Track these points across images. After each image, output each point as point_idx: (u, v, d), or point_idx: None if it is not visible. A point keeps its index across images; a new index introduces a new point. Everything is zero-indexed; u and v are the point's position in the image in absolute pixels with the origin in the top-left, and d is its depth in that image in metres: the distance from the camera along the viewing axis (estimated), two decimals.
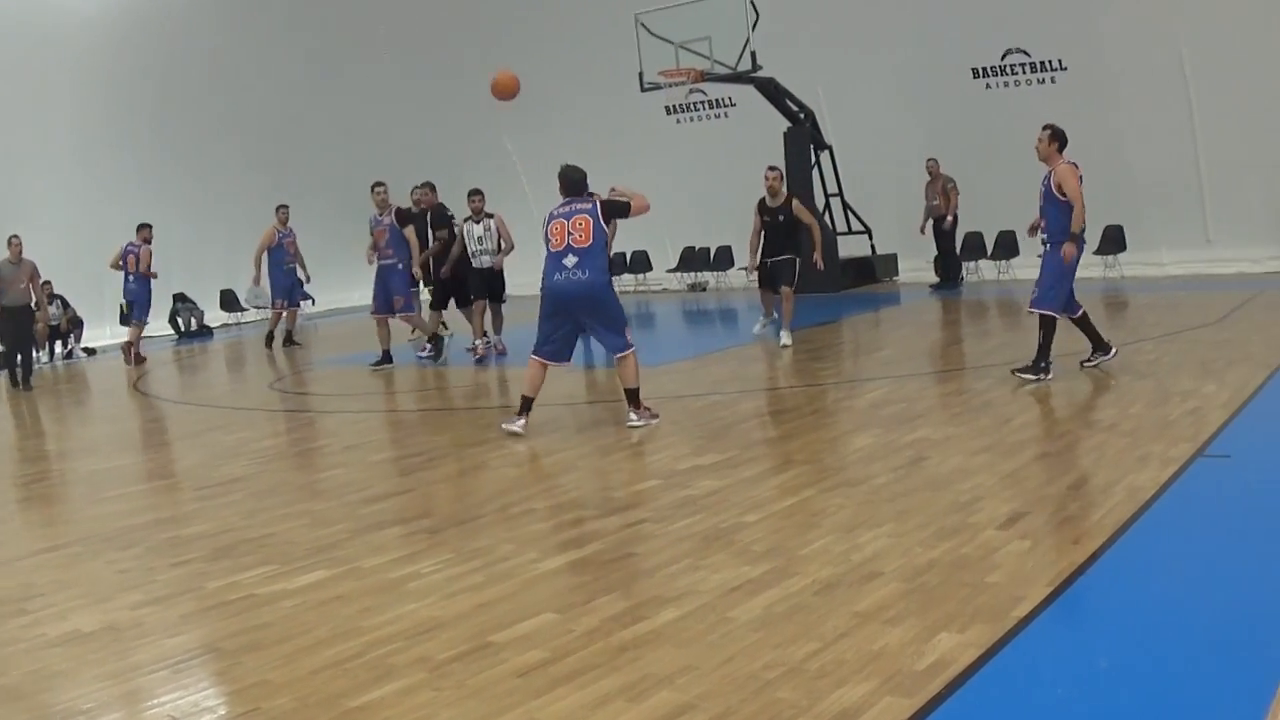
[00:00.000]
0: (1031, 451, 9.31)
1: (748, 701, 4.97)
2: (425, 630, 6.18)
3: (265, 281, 23.41)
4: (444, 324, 21.56)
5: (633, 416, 11.79)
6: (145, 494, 10.65)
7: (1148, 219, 23.18)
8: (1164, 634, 5.52)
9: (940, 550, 6.83)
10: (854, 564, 6.72)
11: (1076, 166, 12.36)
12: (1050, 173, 12.41)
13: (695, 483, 9.13)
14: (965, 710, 4.82)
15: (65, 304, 25.41)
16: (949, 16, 24.81)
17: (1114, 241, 23.28)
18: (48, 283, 23.41)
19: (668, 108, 28.79)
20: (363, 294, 22.04)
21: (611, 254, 13.35)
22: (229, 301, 30.35)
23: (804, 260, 17.05)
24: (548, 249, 11.70)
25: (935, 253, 25.00)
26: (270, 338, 23.14)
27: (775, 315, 17.32)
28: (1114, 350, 12.94)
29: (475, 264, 17.96)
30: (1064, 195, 12.21)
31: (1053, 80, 24.50)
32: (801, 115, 25.49)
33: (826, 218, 25.51)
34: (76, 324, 25.85)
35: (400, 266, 18.60)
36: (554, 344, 11.84)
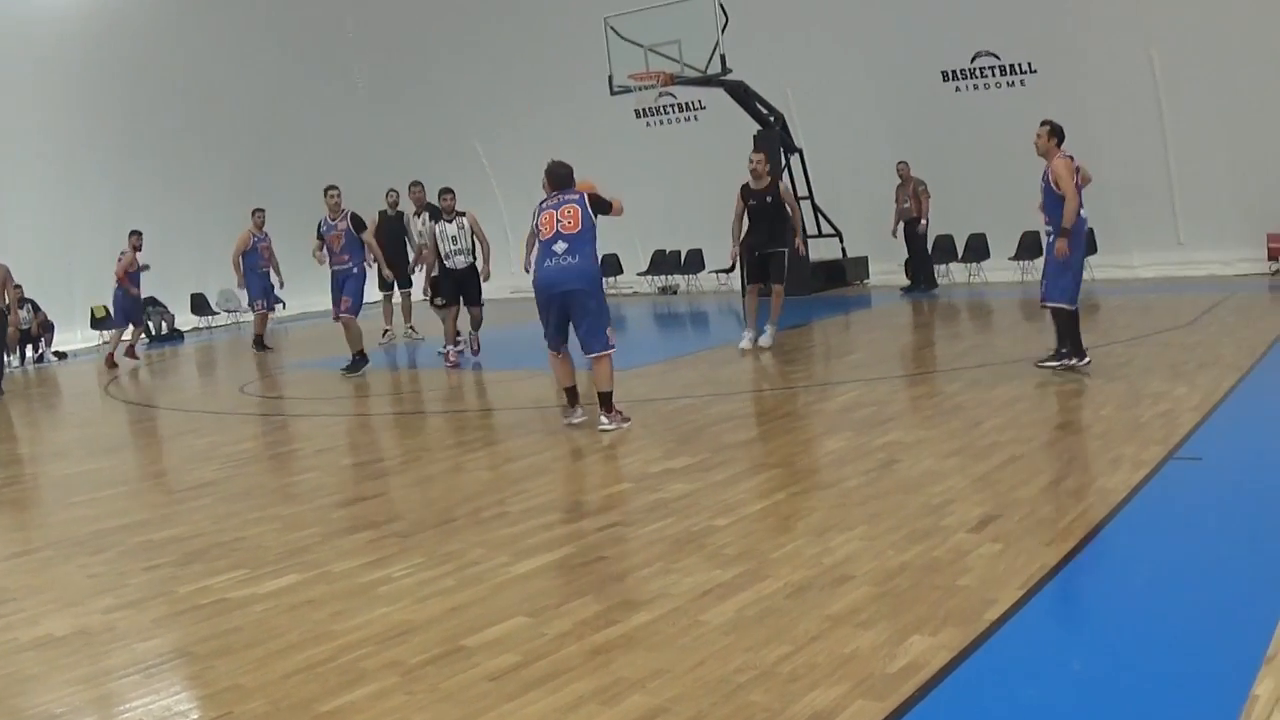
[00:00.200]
0: (1003, 454, 9.32)
1: (719, 705, 4.97)
2: (397, 634, 6.17)
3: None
4: (413, 328, 21.61)
5: (604, 420, 11.79)
6: (117, 498, 10.58)
7: (1119, 221, 23.22)
8: (1136, 636, 5.55)
9: (912, 553, 6.85)
10: (825, 567, 6.73)
11: (1072, 159, 12.58)
12: (1048, 167, 12.60)
13: (667, 486, 9.14)
14: (937, 713, 4.83)
15: (36, 308, 25.31)
16: (918, 19, 24.83)
17: (1085, 244, 23.33)
18: (19, 286, 23.35)
19: (637, 111, 28.74)
20: None
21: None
22: (200, 305, 30.29)
23: (789, 251, 16.85)
24: (538, 240, 11.82)
25: (906, 256, 25.07)
26: (261, 342, 22.89)
27: (760, 329, 16.90)
28: (1087, 359, 13.00)
29: (448, 264, 17.61)
30: (1060, 189, 12.36)
31: (1022, 83, 24.52)
32: (771, 118, 25.47)
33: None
34: (47, 328, 25.77)
35: (355, 271, 18.21)
36: (550, 333, 11.98)
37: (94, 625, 6.74)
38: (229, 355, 24.11)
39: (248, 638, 6.33)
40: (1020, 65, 24.43)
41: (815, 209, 25.97)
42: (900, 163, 24.42)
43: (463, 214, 17.66)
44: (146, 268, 23.37)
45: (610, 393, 11.84)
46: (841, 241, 26.50)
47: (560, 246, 11.57)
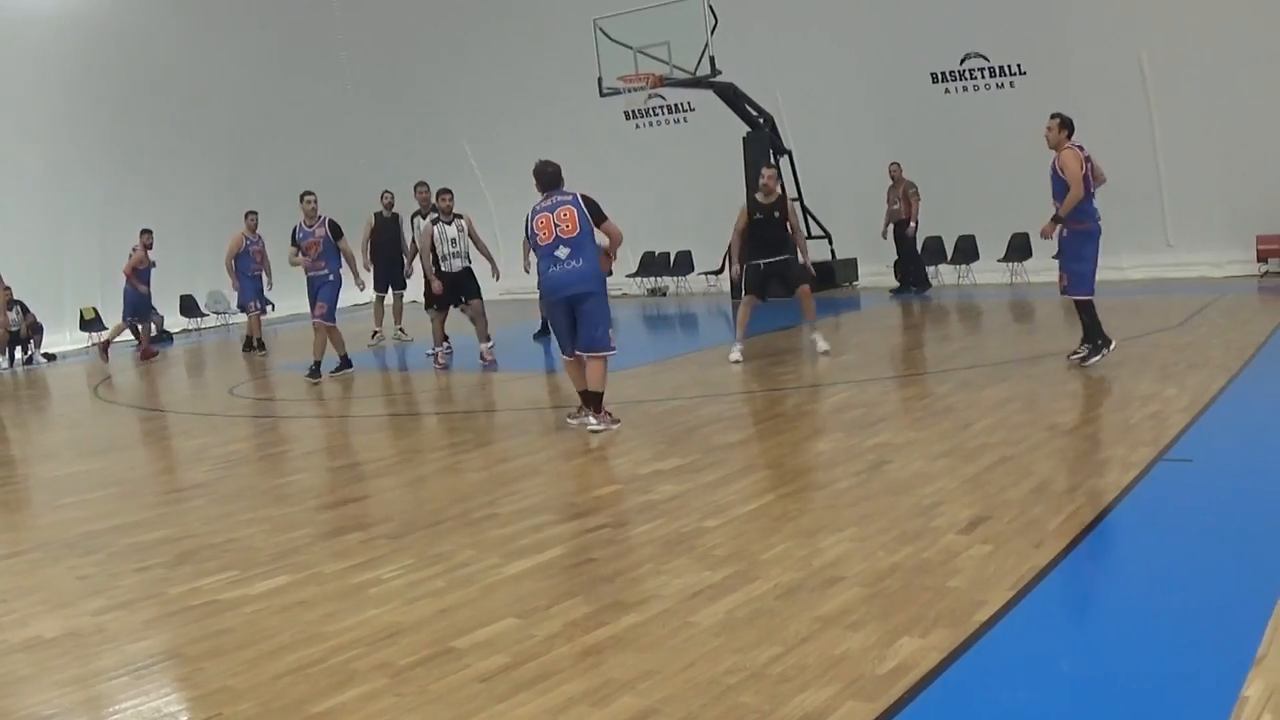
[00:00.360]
0: (993, 456, 9.33)
1: (710, 706, 4.98)
2: (387, 635, 6.17)
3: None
4: (402, 330, 21.57)
5: (592, 420, 11.82)
6: (107, 500, 10.56)
7: (1108, 223, 23.04)
8: (1126, 637, 5.55)
9: (902, 555, 6.86)
10: (815, 569, 6.73)
11: (1081, 149, 12.81)
12: (1056, 158, 12.86)
13: (656, 488, 9.15)
14: (927, 714, 4.84)
15: (25, 309, 25.24)
16: (908, 21, 24.86)
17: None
18: (8, 288, 23.33)
19: (627, 113, 28.77)
20: None
21: None
22: (189, 307, 30.24)
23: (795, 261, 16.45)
24: (536, 245, 11.82)
25: (895, 257, 25.09)
26: (259, 343, 22.81)
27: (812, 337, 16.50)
28: (1113, 343, 13.34)
29: (445, 267, 17.32)
30: (1065, 175, 12.67)
31: (1012, 85, 24.55)
32: (761, 120, 25.49)
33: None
34: (36, 330, 25.68)
35: (331, 278, 17.91)
36: (564, 337, 12.01)
37: (84, 627, 6.74)
38: (218, 357, 24.08)
39: (238, 639, 6.33)
40: (1010, 67, 24.46)
41: (805, 210, 25.95)
42: (892, 164, 24.45)
43: (460, 216, 17.47)
44: (153, 264, 23.38)
45: (601, 394, 11.86)
46: (831, 243, 26.47)
47: (563, 251, 11.58)
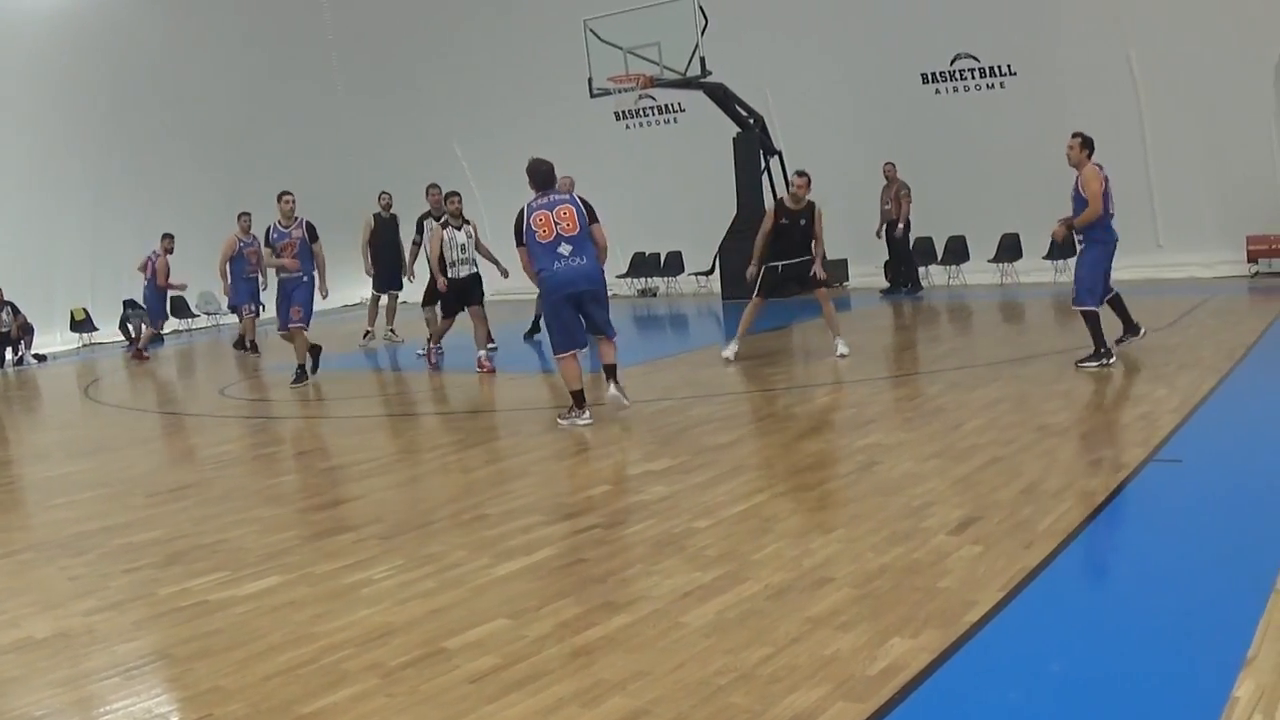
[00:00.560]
0: (983, 456, 9.33)
1: (700, 707, 4.98)
2: (377, 636, 6.17)
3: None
4: (393, 330, 21.53)
5: (615, 389, 12.28)
6: (97, 500, 10.54)
7: None
8: (1116, 638, 5.56)
9: (892, 555, 6.86)
10: (806, 569, 6.74)
11: (1101, 168, 13.12)
12: (1078, 176, 13.15)
13: (647, 488, 9.15)
14: (918, 715, 4.84)
15: (15, 310, 25.20)
16: (898, 21, 24.91)
17: (1065, 246, 23.33)
18: None
19: (617, 113, 28.81)
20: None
21: None
22: (179, 308, 30.19)
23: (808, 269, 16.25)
24: (534, 242, 11.86)
25: (886, 258, 25.09)
26: (252, 345, 22.70)
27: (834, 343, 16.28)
28: (1143, 330, 13.75)
29: (452, 273, 17.13)
30: (1086, 194, 12.99)
31: (1002, 85, 24.61)
32: (751, 121, 25.51)
33: None
34: (27, 330, 25.65)
35: (306, 280, 17.35)
36: (567, 333, 12.11)
37: (74, 627, 6.73)
38: (209, 358, 24.06)
39: (228, 640, 6.32)
40: (1000, 67, 24.51)
41: None
42: (887, 164, 24.41)
43: (469, 222, 17.42)
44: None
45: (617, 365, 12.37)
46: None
47: (566, 249, 11.75)
